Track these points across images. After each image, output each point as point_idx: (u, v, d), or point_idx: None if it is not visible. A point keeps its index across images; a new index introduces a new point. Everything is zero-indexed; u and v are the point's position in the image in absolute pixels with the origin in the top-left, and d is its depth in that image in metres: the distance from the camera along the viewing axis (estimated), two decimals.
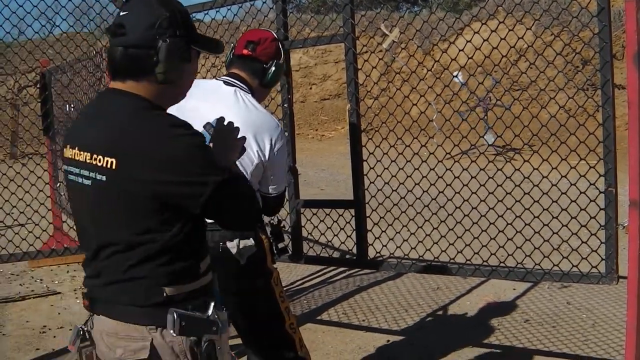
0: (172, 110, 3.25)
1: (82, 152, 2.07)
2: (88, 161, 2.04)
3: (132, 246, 2.05)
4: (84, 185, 2.08)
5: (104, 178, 2.02)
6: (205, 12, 4.68)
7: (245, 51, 3.32)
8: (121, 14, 2.11)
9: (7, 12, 4.91)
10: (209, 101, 3.19)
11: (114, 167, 2.00)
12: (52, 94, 7.34)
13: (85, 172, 2.06)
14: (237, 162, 3.09)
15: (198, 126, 3.21)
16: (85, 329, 2.18)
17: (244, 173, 3.13)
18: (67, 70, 6.38)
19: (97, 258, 2.12)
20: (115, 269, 2.09)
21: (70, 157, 2.12)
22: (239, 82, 3.28)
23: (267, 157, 3.16)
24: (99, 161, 2.01)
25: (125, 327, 2.09)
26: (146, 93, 2.13)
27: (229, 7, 4.54)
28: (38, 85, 7.64)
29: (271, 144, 3.16)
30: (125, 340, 2.10)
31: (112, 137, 2.03)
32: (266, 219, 3.43)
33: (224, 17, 4.71)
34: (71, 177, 2.13)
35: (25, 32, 4.72)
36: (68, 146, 2.14)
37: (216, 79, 3.35)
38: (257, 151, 3.14)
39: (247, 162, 3.13)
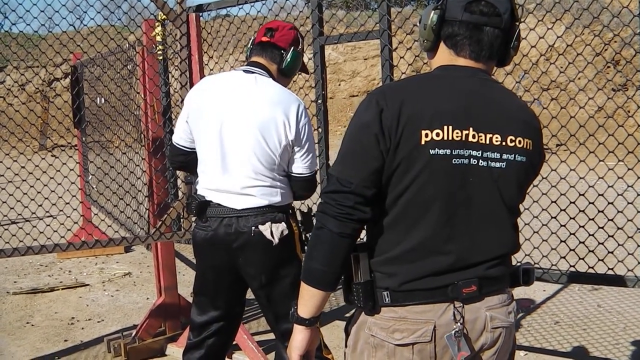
0: (190, 106, 3.26)
1: (482, 134, 1.97)
2: (497, 143, 1.97)
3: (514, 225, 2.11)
4: (486, 168, 1.98)
5: (524, 159, 2.00)
6: (240, 6, 4.67)
7: (264, 38, 3.32)
8: None
9: (42, 5, 4.95)
10: (229, 93, 3.20)
11: (530, 147, 2.01)
12: (83, 86, 7.38)
13: (494, 155, 1.97)
14: (264, 145, 3.08)
15: (215, 121, 3.22)
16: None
17: (273, 157, 3.12)
18: (100, 63, 6.40)
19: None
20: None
21: (458, 139, 1.95)
22: (258, 69, 3.26)
23: (294, 132, 3.13)
24: (519, 143, 1.99)
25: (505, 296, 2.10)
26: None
27: (263, 2, 4.53)
28: (70, 78, 7.69)
29: (297, 118, 3.14)
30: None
31: (523, 119, 2.03)
32: (296, 204, 3.38)
33: (258, 11, 4.69)
34: (459, 160, 1.96)
35: (59, 24, 4.74)
36: (449, 128, 1.94)
37: (234, 69, 3.34)
38: (286, 127, 3.11)
39: (276, 144, 3.11)
